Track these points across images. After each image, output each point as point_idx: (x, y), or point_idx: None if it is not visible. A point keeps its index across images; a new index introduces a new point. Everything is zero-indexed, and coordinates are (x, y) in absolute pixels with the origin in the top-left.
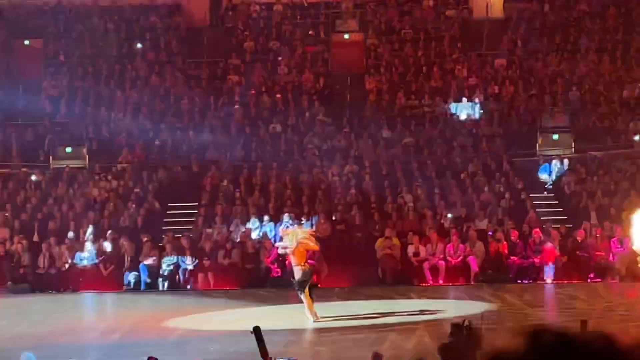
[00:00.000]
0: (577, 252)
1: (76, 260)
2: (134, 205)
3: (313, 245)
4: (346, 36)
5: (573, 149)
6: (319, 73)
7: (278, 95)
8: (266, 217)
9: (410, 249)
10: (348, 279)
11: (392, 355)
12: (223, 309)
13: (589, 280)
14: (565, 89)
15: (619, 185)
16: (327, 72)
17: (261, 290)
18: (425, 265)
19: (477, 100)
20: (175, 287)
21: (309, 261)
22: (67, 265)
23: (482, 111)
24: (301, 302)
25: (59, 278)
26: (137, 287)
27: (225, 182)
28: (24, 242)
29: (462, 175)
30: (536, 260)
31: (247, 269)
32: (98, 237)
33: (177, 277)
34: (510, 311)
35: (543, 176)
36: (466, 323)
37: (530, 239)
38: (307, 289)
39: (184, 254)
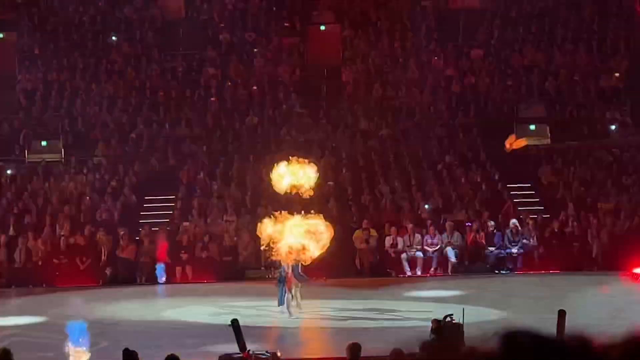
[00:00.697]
0: (554, 242)
1: None
2: (110, 199)
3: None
4: (322, 28)
5: (550, 139)
6: (295, 65)
7: (254, 88)
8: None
9: (388, 241)
10: (326, 271)
11: (371, 347)
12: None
13: (566, 270)
14: (541, 79)
15: (596, 175)
16: (304, 64)
17: (239, 284)
18: (403, 256)
19: None
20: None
21: None
22: None
23: None
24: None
25: (36, 273)
26: (113, 281)
27: (201, 175)
28: (1, 236)
29: (439, 167)
30: (513, 250)
31: (224, 262)
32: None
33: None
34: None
35: None
36: (447, 319)
37: (507, 230)
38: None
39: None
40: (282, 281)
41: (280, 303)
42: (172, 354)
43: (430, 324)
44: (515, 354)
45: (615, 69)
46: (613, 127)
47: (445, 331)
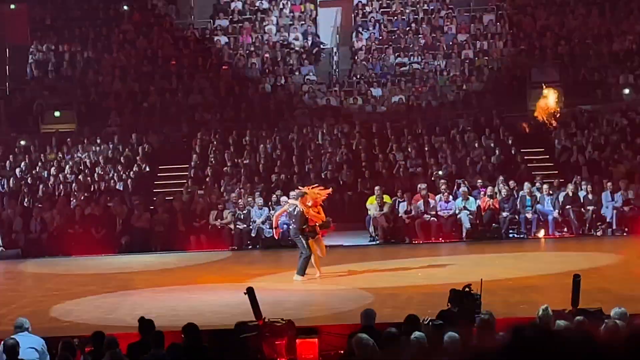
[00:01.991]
0: (568, 206)
1: None
2: (124, 168)
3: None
4: None
5: (563, 103)
6: (307, 32)
7: (266, 55)
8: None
9: (402, 207)
10: (339, 238)
11: (385, 313)
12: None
13: (580, 233)
14: (554, 43)
15: (609, 139)
16: (316, 31)
17: (253, 251)
18: (417, 222)
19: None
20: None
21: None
22: None
23: None
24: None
25: (51, 243)
26: (128, 250)
27: (215, 144)
28: (15, 207)
29: (453, 132)
30: (527, 215)
31: (238, 230)
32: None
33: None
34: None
35: None
36: (466, 289)
37: (522, 194)
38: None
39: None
40: (306, 254)
41: (300, 273)
42: (190, 323)
43: (449, 293)
44: (523, 348)
45: (628, 31)
46: (626, 90)
47: (463, 301)
